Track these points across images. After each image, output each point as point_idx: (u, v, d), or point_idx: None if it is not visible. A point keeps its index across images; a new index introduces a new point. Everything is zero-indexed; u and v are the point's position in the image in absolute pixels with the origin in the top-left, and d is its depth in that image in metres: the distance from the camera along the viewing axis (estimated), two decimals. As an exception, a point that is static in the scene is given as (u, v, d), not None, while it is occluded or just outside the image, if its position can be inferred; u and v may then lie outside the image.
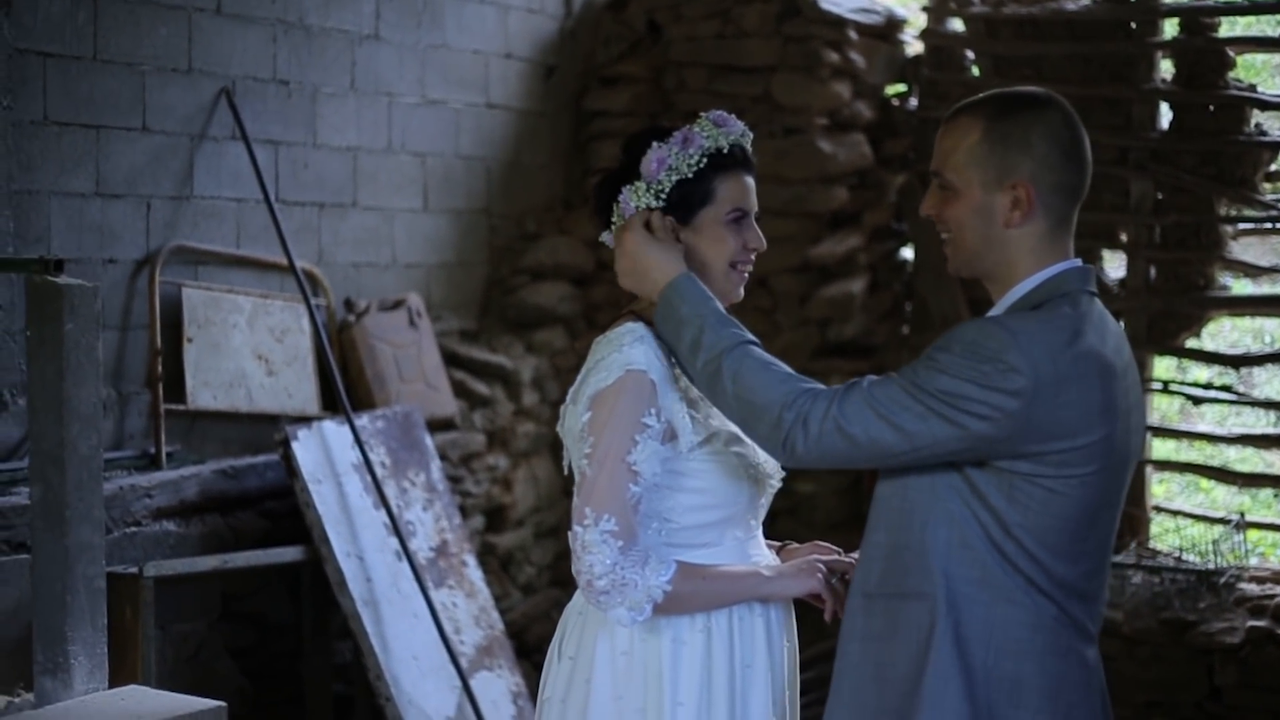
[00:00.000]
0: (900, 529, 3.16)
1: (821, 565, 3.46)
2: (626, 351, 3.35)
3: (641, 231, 3.37)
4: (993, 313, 3.18)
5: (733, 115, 3.51)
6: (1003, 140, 3.14)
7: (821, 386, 3.15)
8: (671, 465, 3.38)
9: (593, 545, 3.28)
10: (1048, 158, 3.13)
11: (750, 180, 3.49)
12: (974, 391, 2.98)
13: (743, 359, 3.18)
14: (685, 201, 3.43)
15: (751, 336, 3.26)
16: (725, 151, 3.45)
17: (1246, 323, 8.60)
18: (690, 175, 3.42)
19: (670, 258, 3.34)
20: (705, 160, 3.43)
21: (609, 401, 3.33)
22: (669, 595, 3.31)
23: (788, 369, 3.20)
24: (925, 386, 3.02)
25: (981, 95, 3.26)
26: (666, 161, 3.42)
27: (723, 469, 3.42)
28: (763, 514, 3.59)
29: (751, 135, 3.54)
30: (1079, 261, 3.20)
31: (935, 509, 3.11)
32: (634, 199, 3.43)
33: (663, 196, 3.42)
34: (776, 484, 3.58)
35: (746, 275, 3.51)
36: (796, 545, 3.67)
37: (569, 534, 3.34)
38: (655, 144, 3.45)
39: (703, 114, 3.49)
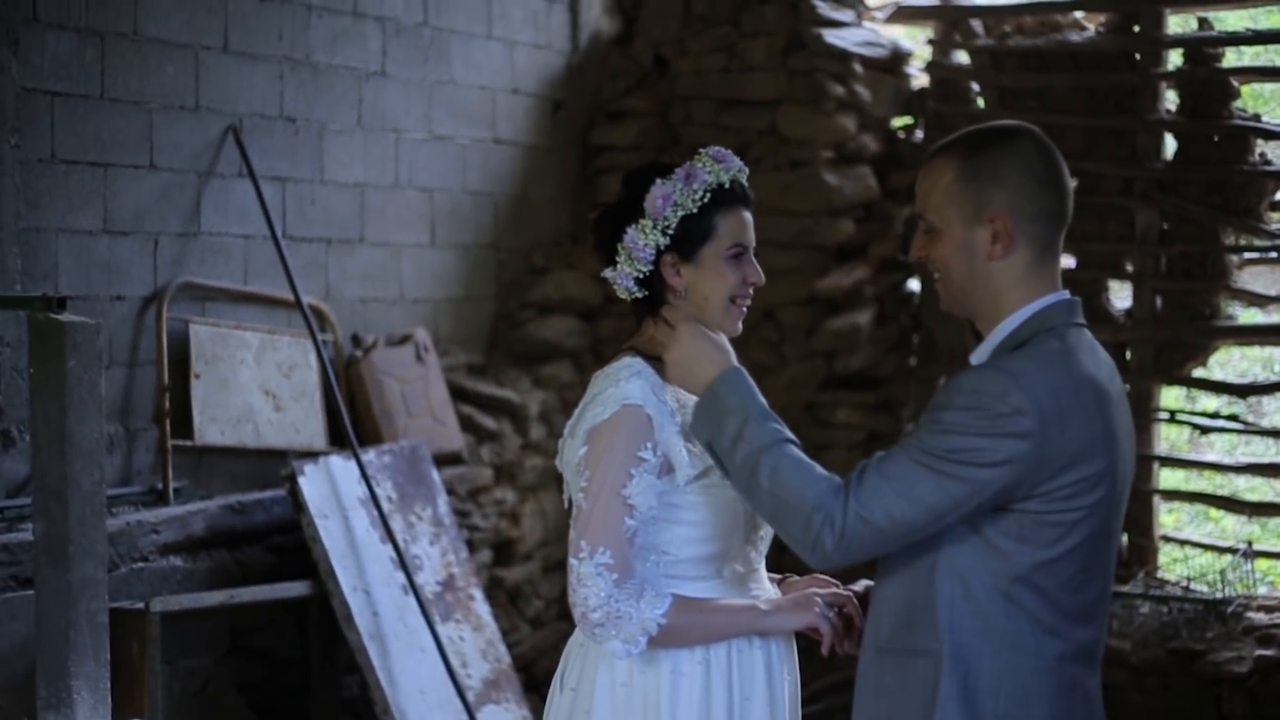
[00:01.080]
0: (908, 584, 3.16)
1: (819, 599, 3.46)
2: (623, 386, 3.38)
3: (695, 325, 3.40)
4: (978, 351, 3.20)
5: (730, 151, 3.54)
6: (976, 176, 3.16)
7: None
8: (668, 498, 3.40)
9: (587, 578, 3.31)
10: (1023, 187, 3.15)
11: (749, 215, 3.53)
12: (985, 443, 2.99)
13: (781, 456, 3.16)
14: (688, 237, 3.46)
15: (791, 435, 3.24)
16: (726, 187, 3.48)
17: (1256, 352, 8.60)
18: (695, 210, 3.45)
19: (721, 351, 3.37)
20: (708, 196, 3.46)
21: (605, 436, 3.36)
22: (664, 628, 3.33)
23: (824, 471, 3.16)
24: (935, 450, 3.02)
25: (956, 134, 3.29)
26: (672, 198, 3.45)
27: (720, 502, 3.43)
28: (764, 547, 3.60)
29: (748, 170, 3.57)
30: (1066, 293, 3.21)
31: (940, 563, 3.11)
32: (642, 238, 3.46)
33: (669, 233, 3.46)
34: None
35: (745, 309, 3.54)
36: (796, 578, 3.68)
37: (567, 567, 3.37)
38: (659, 180, 3.49)
39: (702, 150, 3.52)
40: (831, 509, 3.05)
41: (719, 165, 3.50)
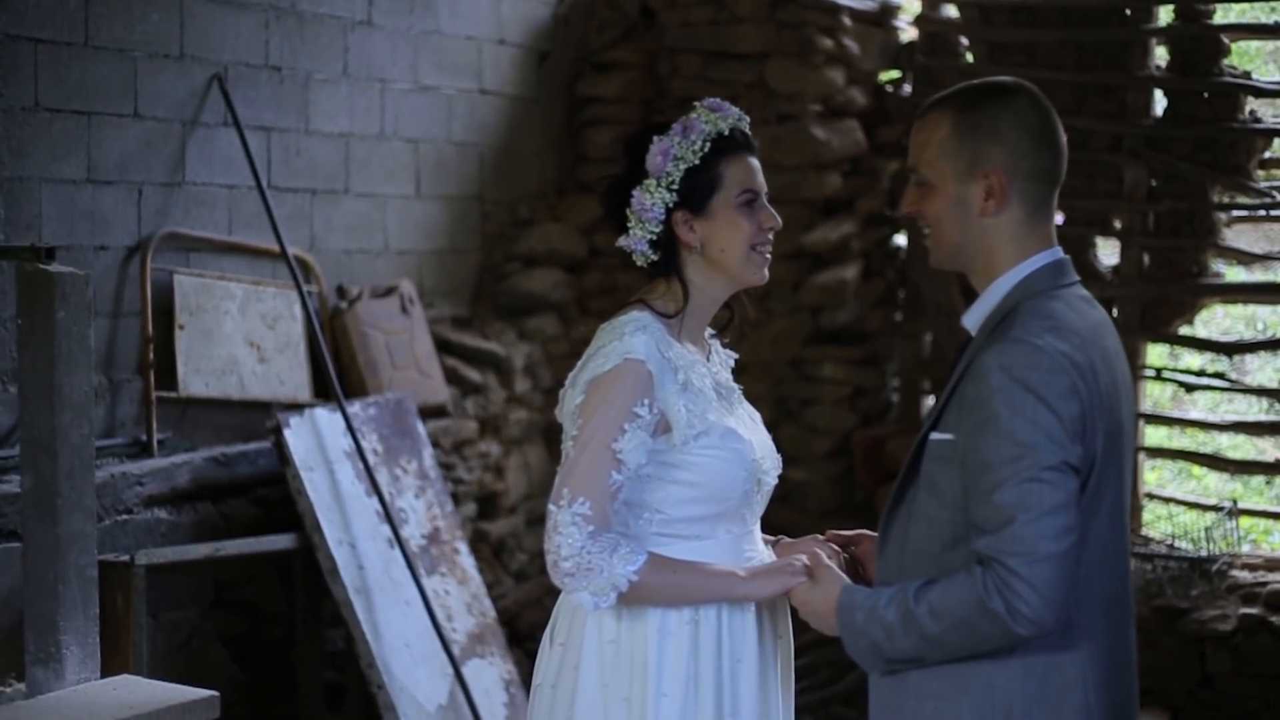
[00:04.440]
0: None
1: (802, 562, 3.41)
2: (627, 340, 3.36)
3: (800, 591, 3.33)
4: (971, 313, 3.19)
5: (726, 101, 3.52)
6: (972, 130, 3.14)
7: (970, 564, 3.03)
8: (664, 457, 3.38)
9: (563, 526, 3.31)
10: (1018, 144, 3.13)
11: (755, 161, 3.50)
12: (1053, 424, 2.95)
13: (919, 602, 3.04)
14: (695, 191, 3.44)
15: (906, 583, 3.11)
16: (727, 135, 3.46)
17: (1239, 309, 8.61)
18: (697, 162, 3.42)
19: (824, 589, 3.26)
20: (709, 145, 3.43)
21: (603, 388, 3.34)
22: (635, 585, 3.32)
23: (954, 577, 3.04)
24: (1029, 462, 2.94)
25: (952, 89, 3.27)
26: (671, 152, 3.43)
27: (717, 463, 3.41)
28: (760, 510, 3.58)
29: (748, 119, 3.54)
30: (1058, 251, 3.19)
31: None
32: (648, 197, 3.44)
33: (674, 189, 3.43)
34: (773, 481, 3.58)
35: (768, 256, 3.50)
36: (790, 540, 3.66)
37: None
38: (656, 138, 3.46)
39: (697, 102, 3.50)
40: (993, 584, 2.94)
41: (716, 115, 3.47)
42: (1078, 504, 2.98)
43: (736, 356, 3.73)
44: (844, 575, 3.31)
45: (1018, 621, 2.93)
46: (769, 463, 3.55)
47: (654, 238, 3.45)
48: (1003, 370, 2.98)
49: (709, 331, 3.65)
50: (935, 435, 3.11)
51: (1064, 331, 3.03)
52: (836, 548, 3.53)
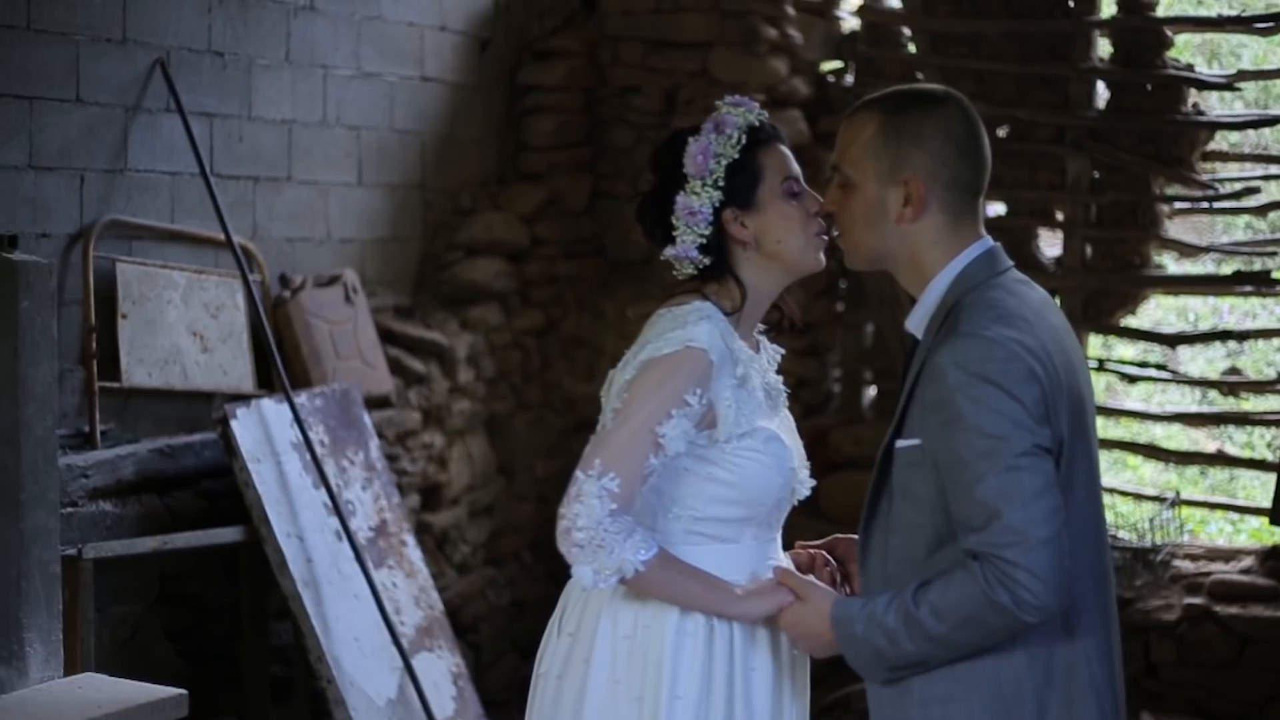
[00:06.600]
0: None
1: (789, 582, 3.35)
2: (690, 329, 3.32)
3: (788, 612, 3.30)
4: (914, 316, 3.20)
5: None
6: (896, 134, 3.15)
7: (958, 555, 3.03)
8: (704, 453, 3.34)
9: (587, 495, 3.24)
10: (942, 152, 3.14)
11: (787, 150, 3.48)
12: (1018, 411, 2.96)
13: (920, 605, 3.02)
14: (740, 186, 3.40)
15: (906, 586, 3.09)
16: (758, 126, 3.43)
17: (1171, 301, 8.67)
18: (737, 156, 3.39)
19: (814, 605, 3.24)
20: (744, 138, 3.40)
21: (660, 370, 3.29)
22: (639, 575, 3.27)
23: (953, 575, 3.02)
24: (1003, 452, 2.94)
25: (882, 91, 3.28)
26: (711, 149, 3.39)
27: (757, 467, 3.38)
28: (783, 517, 3.55)
29: (766, 111, 3.53)
30: (988, 241, 3.20)
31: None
32: (695, 199, 3.39)
33: (720, 186, 3.38)
34: (806, 491, 3.55)
35: (825, 239, 3.46)
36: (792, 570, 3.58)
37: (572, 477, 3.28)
38: (691, 140, 3.42)
39: (719, 101, 3.48)
40: (996, 577, 2.93)
41: (742, 109, 3.44)
42: (1057, 484, 2.98)
43: (783, 351, 3.69)
44: (831, 589, 3.29)
45: (1024, 610, 2.93)
46: (805, 472, 3.53)
47: (704, 241, 3.40)
48: (959, 367, 2.99)
49: (759, 328, 3.61)
50: (901, 442, 3.12)
51: (1011, 318, 3.04)
52: (827, 555, 3.51)
